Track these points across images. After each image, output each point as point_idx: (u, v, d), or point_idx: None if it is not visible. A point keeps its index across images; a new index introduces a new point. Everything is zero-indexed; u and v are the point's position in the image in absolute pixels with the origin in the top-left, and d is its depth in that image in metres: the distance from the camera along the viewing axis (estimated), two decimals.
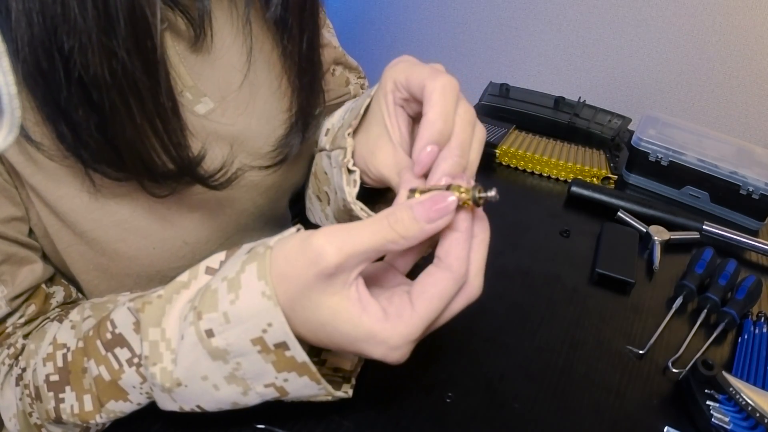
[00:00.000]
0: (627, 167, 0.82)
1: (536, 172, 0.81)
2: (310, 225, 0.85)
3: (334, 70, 0.63)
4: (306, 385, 0.33)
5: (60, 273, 0.46)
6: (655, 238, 0.67)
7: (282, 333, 0.30)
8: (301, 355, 0.31)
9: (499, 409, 0.45)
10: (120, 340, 0.36)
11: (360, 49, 1.88)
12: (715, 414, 0.44)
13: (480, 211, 0.33)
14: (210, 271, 0.35)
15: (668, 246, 0.68)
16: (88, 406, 0.38)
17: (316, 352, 0.38)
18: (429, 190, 0.33)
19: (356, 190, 0.42)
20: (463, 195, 0.31)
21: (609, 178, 0.80)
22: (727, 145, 0.81)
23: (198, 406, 0.35)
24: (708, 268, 0.61)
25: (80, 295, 0.48)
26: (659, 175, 0.79)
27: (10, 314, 0.41)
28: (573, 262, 0.63)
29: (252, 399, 0.34)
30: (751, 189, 0.72)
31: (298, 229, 0.33)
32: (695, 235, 0.69)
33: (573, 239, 0.67)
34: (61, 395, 0.38)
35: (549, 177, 0.81)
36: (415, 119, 0.41)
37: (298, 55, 0.48)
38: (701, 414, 0.45)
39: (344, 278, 0.30)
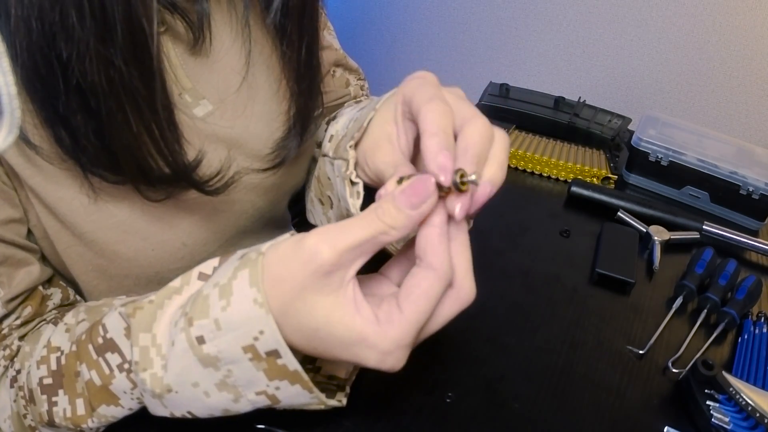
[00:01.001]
0: (627, 167, 0.82)
1: (536, 172, 0.81)
2: (310, 226, 0.85)
3: (334, 71, 0.63)
4: (298, 394, 0.33)
5: (59, 275, 0.46)
6: (655, 238, 0.67)
7: (273, 341, 0.30)
8: (293, 363, 0.31)
9: (499, 409, 0.45)
10: (111, 345, 0.36)
11: (360, 49, 1.88)
12: (715, 414, 0.44)
13: (457, 213, 0.32)
14: (203, 276, 0.35)
15: (668, 246, 0.68)
16: (81, 410, 0.38)
17: (311, 359, 0.38)
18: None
19: (360, 201, 0.42)
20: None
21: (609, 178, 0.80)
22: (727, 145, 0.81)
23: (189, 413, 0.34)
24: (708, 268, 0.61)
25: (78, 298, 0.48)
26: (659, 175, 0.79)
27: (6, 316, 0.41)
28: (573, 262, 0.63)
29: (243, 406, 0.34)
30: (751, 189, 0.72)
31: (292, 235, 0.33)
32: (695, 235, 0.69)
33: (573, 239, 0.67)
34: (54, 398, 0.38)
35: (549, 177, 0.81)
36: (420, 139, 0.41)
37: (297, 60, 0.47)
38: (701, 414, 0.45)
39: (340, 276, 0.30)
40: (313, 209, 0.56)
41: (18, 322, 0.41)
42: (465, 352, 0.50)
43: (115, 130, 0.36)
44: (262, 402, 0.34)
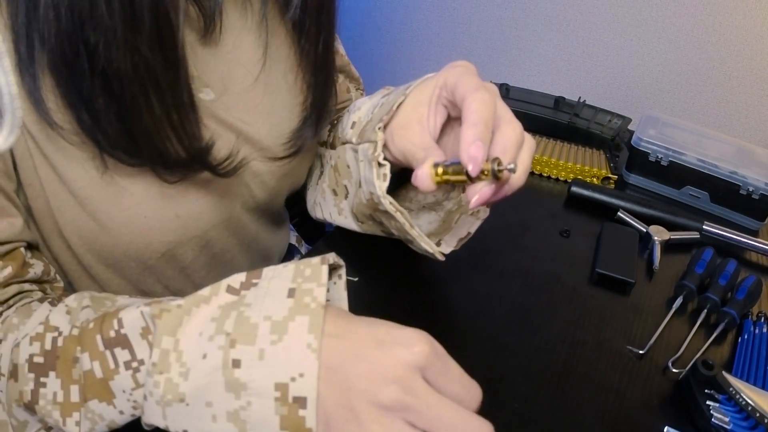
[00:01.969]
0: (627, 167, 0.82)
1: (536, 172, 0.81)
2: (309, 224, 0.85)
3: (337, 77, 0.63)
4: None
5: (47, 256, 0.46)
6: (655, 238, 0.67)
7: (309, 387, 0.30)
8: (312, 419, 0.30)
9: (499, 409, 0.45)
10: (123, 341, 0.35)
11: (360, 48, 1.88)
12: (715, 414, 0.44)
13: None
14: (231, 290, 0.35)
15: (668, 246, 0.68)
16: (75, 397, 0.36)
17: None
18: (451, 164, 0.36)
19: (386, 184, 0.43)
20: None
21: (609, 178, 0.80)
22: (727, 145, 0.81)
23: (184, 431, 0.33)
24: (708, 268, 0.61)
25: (58, 277, 0.47)
26: (659, 175, 0.79)
27: None
28: (573, 262, 0.63)
29: None
30: (751, 189, 0.72)
31: (324, 261, 0.34)
32: (695, 235, 0.69)
33: (573, 239, 0.67)
34: (42, 379, 0.37)
35: (549, 177, 0.81)
36: (448, 124, 0.44)
37: (314, 54, 0.49)
38: (701, 414, 0.45)
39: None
40: (324, 201, 0.57)
41: None
42: (465, 352, 0.49)
43: (137, 114, 0.37)
44: None
